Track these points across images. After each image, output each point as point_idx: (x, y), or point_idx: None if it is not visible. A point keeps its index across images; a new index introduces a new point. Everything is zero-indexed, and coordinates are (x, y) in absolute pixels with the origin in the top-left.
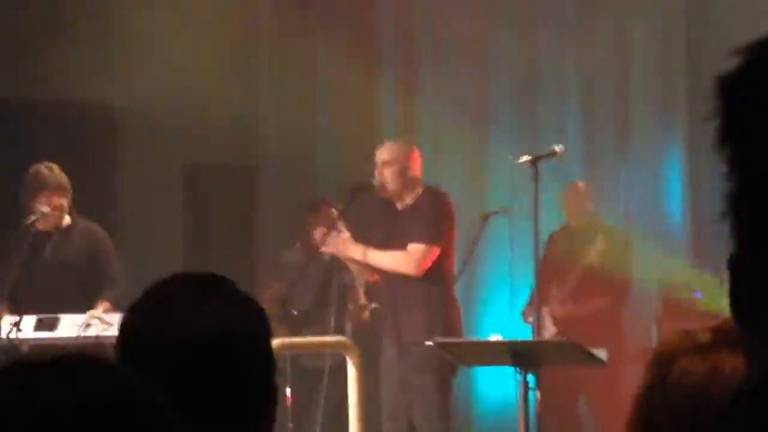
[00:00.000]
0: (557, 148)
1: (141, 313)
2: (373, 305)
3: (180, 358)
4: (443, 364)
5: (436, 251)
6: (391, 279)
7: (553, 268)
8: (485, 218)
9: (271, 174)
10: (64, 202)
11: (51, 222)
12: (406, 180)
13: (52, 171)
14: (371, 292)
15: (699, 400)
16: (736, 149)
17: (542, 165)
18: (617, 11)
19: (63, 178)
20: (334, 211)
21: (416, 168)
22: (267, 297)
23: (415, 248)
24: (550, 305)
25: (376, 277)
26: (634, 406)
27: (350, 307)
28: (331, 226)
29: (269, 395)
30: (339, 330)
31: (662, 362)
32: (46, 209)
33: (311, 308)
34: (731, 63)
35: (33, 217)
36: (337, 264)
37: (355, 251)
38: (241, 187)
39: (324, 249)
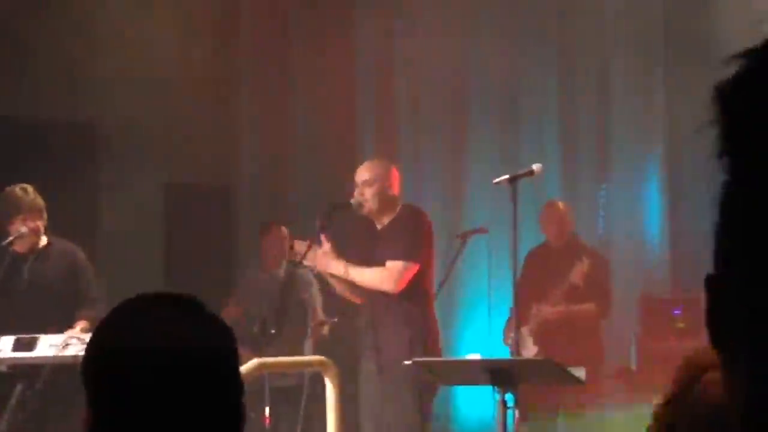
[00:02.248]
0: (535, 167)
1: (108, 330)
2: (334, 319)
3: (148, 376)
4: (423, 383)
5: (415, 268)
6: (371, 297)
7: (532, 288)
8: (463, 238)
9: (250, 194)
10: (40, 223)
11: (27, 243)
12: (385, 199)
13: (27, 193)
14: (329, 308)
15: (719, 415)
16: (733, 161)
17: (520, 184)
18: (597, 32)
19: (38, 199)
20: (285, 230)
21: (395, 187)
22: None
23: (394, 265)
24: (537, 310)
25: (359, 300)
26: (657, 413)
27: (309, 324)
28: (313, 240)
29: (238, 413)
30: (300, 347)
31: (690, 374)
32: (24, 230)
33: (257, 327)
34: (728, 70)
35: (10, 238)
36: (295, 282)
37: (336, 266)
38: (220, 207)
39: (305, 263)
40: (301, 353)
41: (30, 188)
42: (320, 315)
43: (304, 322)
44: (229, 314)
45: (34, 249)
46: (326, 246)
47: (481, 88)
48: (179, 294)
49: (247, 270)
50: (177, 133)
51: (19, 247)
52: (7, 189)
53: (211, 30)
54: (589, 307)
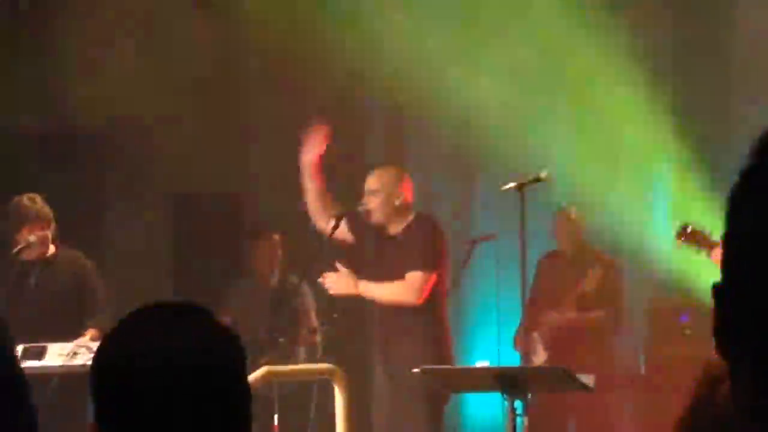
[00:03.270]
0: (543, 174)
1: (115, 341)
2: (325, 327)
3: (155, 387)
4: (434, 391)
5: (434, 278)
6: (382, 306)
7: (545, 295)
8: (471, 244)
9: (258, 202)
10: (48, 232)
11: (35, 252)
12: (392, 209)
13: (34, 202)
14: (323, 313)
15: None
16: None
17: (528, 191)
18: (604, 34)
19: (46, 208)
20: (276, 237)
21: (406, 195)
22: None
23: (414, 276)
24: (546, 317)
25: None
26: (680, 421)
27: (303, 331)
28: (332, 267)
29: (245, 422)
30: (292, 355)
31: (712, 379)
32: (32, 238)
33: (264, 335)
34: None
35: (18, 248)
36: (287, 289)
37: (357, 287)
38: (228, 215)
39: (331, 292)
40: (295, 361)
41: (38, 198)
42: (313, 322)
43: (297, 330)
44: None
45: (41, 258)
46: (343, 270)
47: (491, 93)
48: (187, 303)
49: (240, 279)
50: (184, 142)
51: (27, 256)
52: (15, 199)
53: (217, 36)
54: (599, 314)
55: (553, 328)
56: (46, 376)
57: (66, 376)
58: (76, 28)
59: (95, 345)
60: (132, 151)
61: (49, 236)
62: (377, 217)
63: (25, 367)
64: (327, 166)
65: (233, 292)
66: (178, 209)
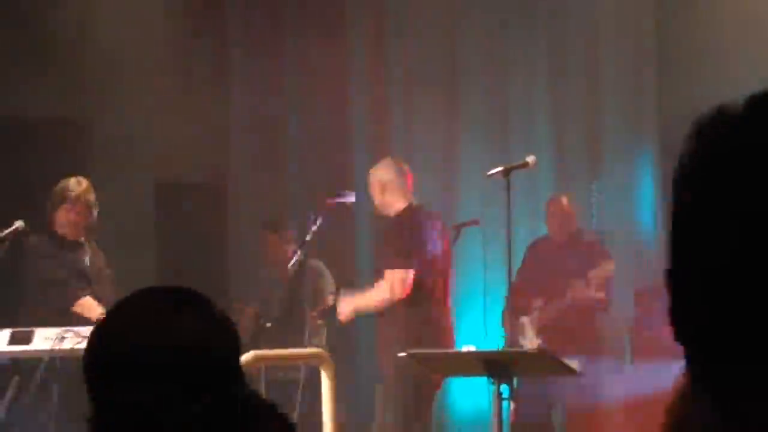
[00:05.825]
0: (529, 159)
1: (111, 324)
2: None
3: (148, 371)
4: (424, 376)
5: (411, 272)
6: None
7: (535, 279)
8: (457, 230)
9: (241, 191)
10: (84, 218)
11: (70, 234)
12: (388, 199)
13: (80, 185)
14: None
15: None
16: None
17: (513, 178)
18: (589, 26)
19: (88, 194)
20: (290, 234)
21: (407, 185)
22: (244, 324)
23: (390, 274)
24: (536, 313)
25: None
26: (669, 408)
27: (313, 313)
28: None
29: (240, 405)
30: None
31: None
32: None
33: (284, 318)
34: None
35: (5, 232)
36: (304, 273)
37: (348, 308)
38: (212, 205)
39: (341, 318)
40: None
41: (85, 182)
42: (329, 304)
43: (306, 311)
44: (249, 314)
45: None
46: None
47: (474, 81)
48: (180, 288)
49: (260, 270)
50: (168, 131)
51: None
52: (64, 180)
53: (203, 28)
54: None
55: (549, 315)
56: (36, 360)
57: (53, 360)
58: (63, 21)
59: (82, 329)
60: (115, 139)
61: (83, 222)
62: (376, 205)
63: (12, 351)
64: None
65: (255, 282)
66: (161, 198)
